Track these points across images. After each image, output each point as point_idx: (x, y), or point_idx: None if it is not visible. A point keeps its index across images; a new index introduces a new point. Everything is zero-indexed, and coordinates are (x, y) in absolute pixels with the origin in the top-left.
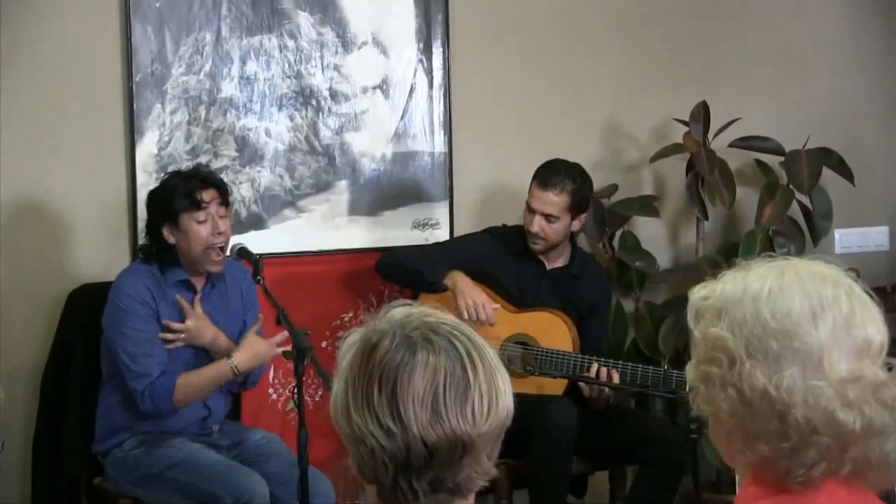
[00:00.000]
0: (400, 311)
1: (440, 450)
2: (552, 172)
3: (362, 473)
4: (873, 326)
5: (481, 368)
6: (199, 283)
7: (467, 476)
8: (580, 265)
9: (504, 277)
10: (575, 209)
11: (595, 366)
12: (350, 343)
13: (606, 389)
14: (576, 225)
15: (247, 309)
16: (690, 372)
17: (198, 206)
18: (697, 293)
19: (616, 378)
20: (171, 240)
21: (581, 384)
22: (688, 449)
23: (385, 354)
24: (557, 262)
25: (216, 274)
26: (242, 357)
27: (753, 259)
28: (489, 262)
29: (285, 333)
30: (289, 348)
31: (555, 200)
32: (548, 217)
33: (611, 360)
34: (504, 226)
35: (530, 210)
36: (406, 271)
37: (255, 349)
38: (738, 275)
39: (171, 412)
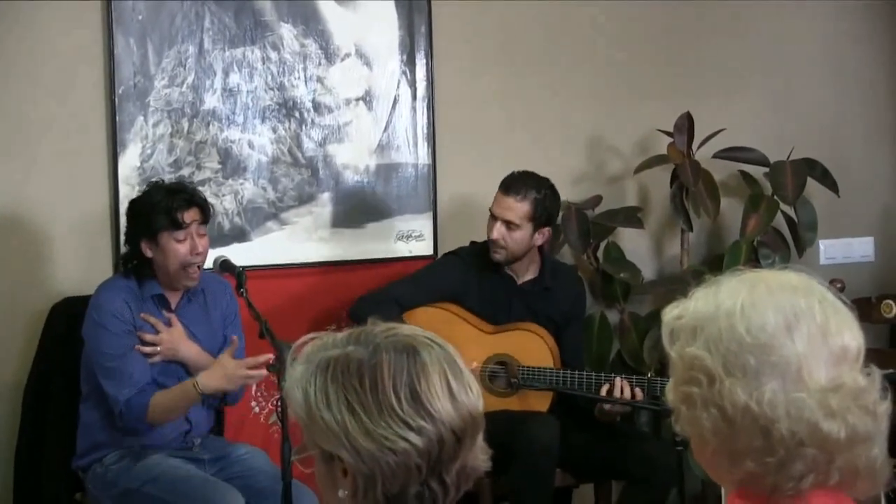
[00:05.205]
0: (354, 332)
1: (465, 433)
2: (517, 180)
3: (385, 491)
4: (849, 333)
5: (451, 349)
6: (174, 298)
7: (478, 459)
8: (552, 276)
9: (475, 297)
10: (536, 220)
11: (618, 381)
12: (307, 374)
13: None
14: (538, 238)
15: (227, 324)
16: (670, 394)
17: (178, 226)
18: (670, 313)
19: (631, 392)
20: (148, 253)
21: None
22: (674, 463)
23: (391, 368)
24: (527, 275)
25: (193, 288)
26: (207, 377)
27: (722, 274)
28: (458, 285)
29: (258, 358)
30: (262, 372)
31: (515, 206)
32: (508, 224)
33: (593, 373)
34: (472, 242)
35: (492, 216)
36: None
37: (222, 370)
38: (710, 291)
39: (147, 429)
